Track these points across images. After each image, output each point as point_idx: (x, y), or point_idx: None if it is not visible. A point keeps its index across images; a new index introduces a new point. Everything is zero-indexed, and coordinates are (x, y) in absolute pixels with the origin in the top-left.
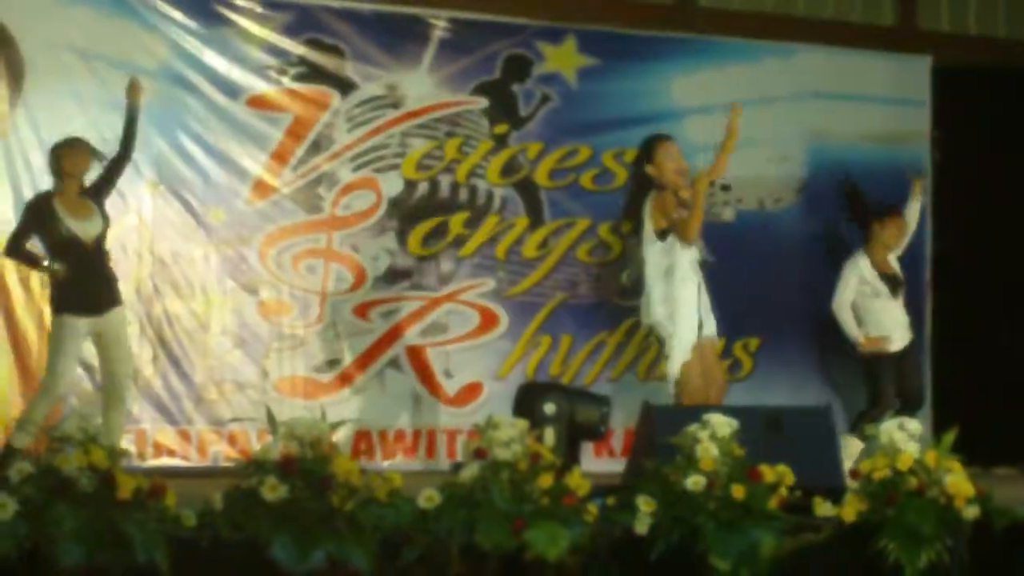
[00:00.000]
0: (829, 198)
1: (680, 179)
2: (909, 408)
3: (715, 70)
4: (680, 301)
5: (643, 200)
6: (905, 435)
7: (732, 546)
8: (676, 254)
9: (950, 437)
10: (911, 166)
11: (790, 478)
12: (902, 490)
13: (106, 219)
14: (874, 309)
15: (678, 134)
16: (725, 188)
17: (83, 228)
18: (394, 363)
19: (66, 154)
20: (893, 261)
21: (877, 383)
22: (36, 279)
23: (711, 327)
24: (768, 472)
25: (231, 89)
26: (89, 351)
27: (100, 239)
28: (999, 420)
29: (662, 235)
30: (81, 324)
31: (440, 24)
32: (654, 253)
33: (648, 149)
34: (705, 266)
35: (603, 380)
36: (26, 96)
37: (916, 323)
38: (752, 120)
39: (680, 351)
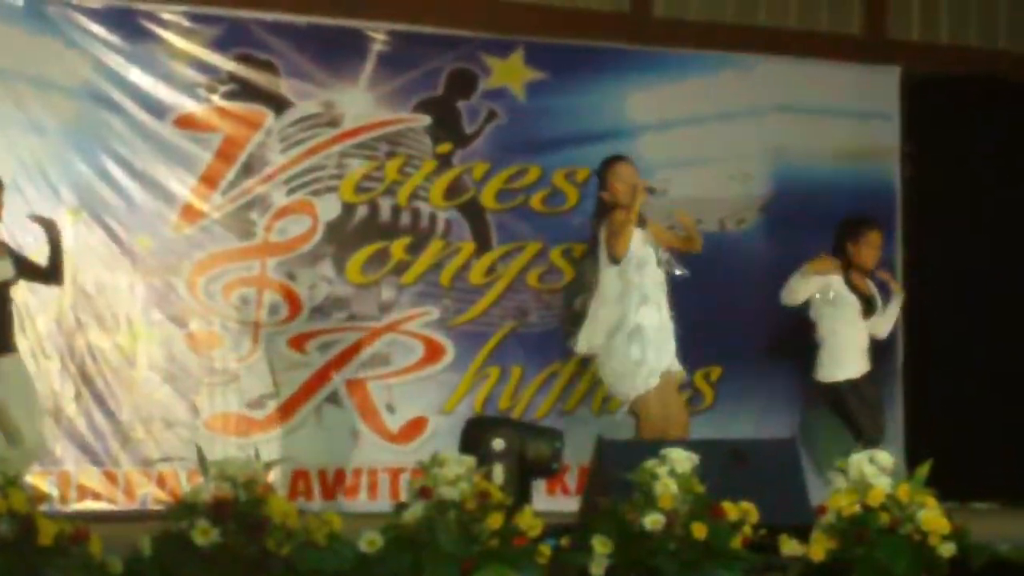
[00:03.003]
0: (794, 217)
1: (634, 197)
2: (867, 443)
3: (672, 84)
4: (643, 327)
5: (601, 224)
6: (875, 468)
7: None
8: (632, 277)
9: (924, 470)
10: (880, 182)
11: (754, 515)
12: (873, 527)
13: (19, 267)
14: (831, 317)
15: (633, 152)
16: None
17: None
18: (333, 398)
19: None
20: (869, 283)
21: (845, 413)
22: None
23: (670, 359)
24: (731, 509)
25: (157, 108)
26: None
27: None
28: (976, 451)
29: (615, 260)
30: None
31: (379, 37)
32: (608, 278)
33: (600, 175)
34: (674, 283)
35: (556, 414)
36: None
37: (886, 347)
38: (712, 136)
39: (637, 380)
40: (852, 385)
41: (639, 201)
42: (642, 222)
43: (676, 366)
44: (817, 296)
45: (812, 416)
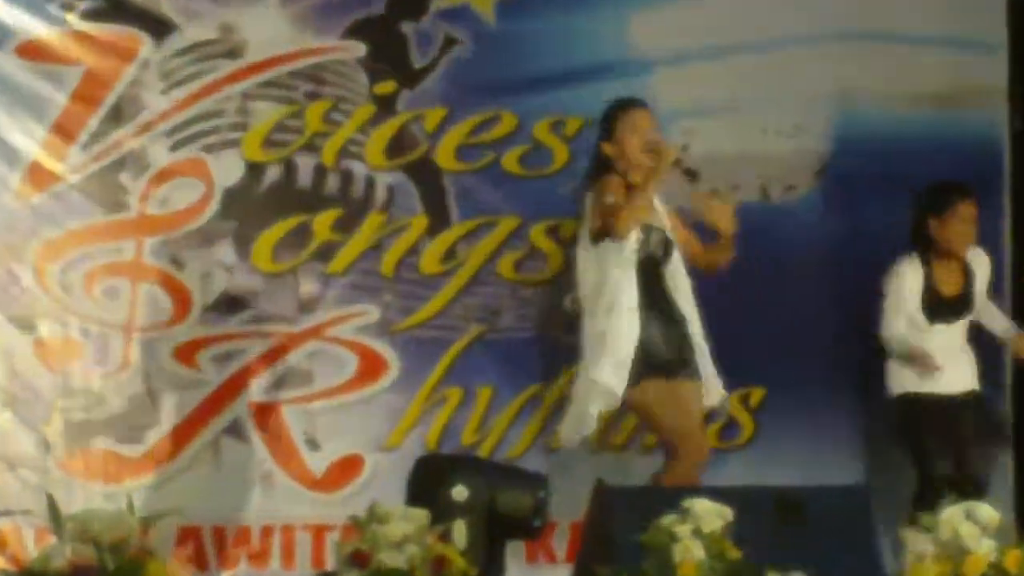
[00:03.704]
0: (863, 183)
1: (657, 161)
2: (966, 491)
3: (691, 2)
4: (609, 332)
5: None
6: (975, 528)
7: None
8: (611, 264)
9: None
10: (981, 136)
11: None
12: None
13: None
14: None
15: (641, 94)
16: (690, 174)
17: None
18: (234, 429)
19: None
20: (959, 274)
21: (923, 446)
22: None
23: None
24: None
25: None
26: None
27: None
28: None
29: (597, 238)
30: None
31: None
32: (583, 265)
33: (607, 120)
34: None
35: (539, 451)
36: None
37: (989, 370)
38: (750, 74)
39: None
40: (944, 404)
41: (662, 170)
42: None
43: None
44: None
45: (890, 457)
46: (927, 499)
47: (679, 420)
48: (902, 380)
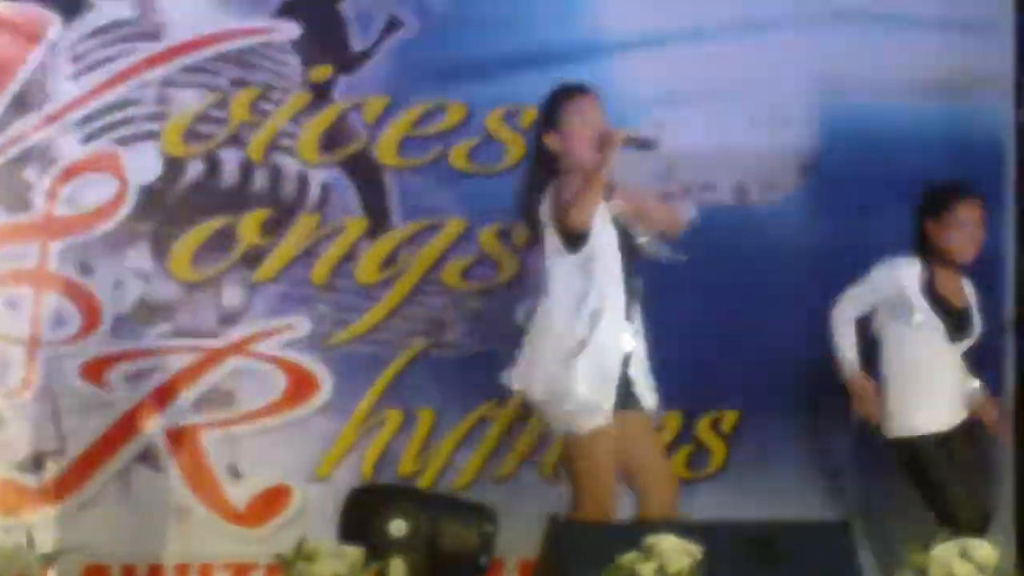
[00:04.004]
0: (853, 183)
1: (603, 152)
2: (963, 529)
3: None
4: (593, 341)
5: (543, 191)
6: (971, 567)
7: None
8: (596, 268)
9: None
10: (983, 129)
11: None
12: None
13: None
14: (904, 339)
15: (609, 80)
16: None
17: None
18: (147, 456)
19: None
20: (963, 286)
21: (929, 482)
22: None
23: (648, 397)
24: None
25: None
26: None
27: None
28: None
29: (574, 244)
30: None
31: None
32: (562, 273)
33: (549, 110)
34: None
35: (487, 481)
36: None
37: (987, 392)
38: (729, 58)
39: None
40: (939, 442)
41: (610, 156)
42: (608, 191)
43: (647, 401)
44: (880, 315)
45: (877, 487)
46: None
47: (591, 476)
48: (895, 420)
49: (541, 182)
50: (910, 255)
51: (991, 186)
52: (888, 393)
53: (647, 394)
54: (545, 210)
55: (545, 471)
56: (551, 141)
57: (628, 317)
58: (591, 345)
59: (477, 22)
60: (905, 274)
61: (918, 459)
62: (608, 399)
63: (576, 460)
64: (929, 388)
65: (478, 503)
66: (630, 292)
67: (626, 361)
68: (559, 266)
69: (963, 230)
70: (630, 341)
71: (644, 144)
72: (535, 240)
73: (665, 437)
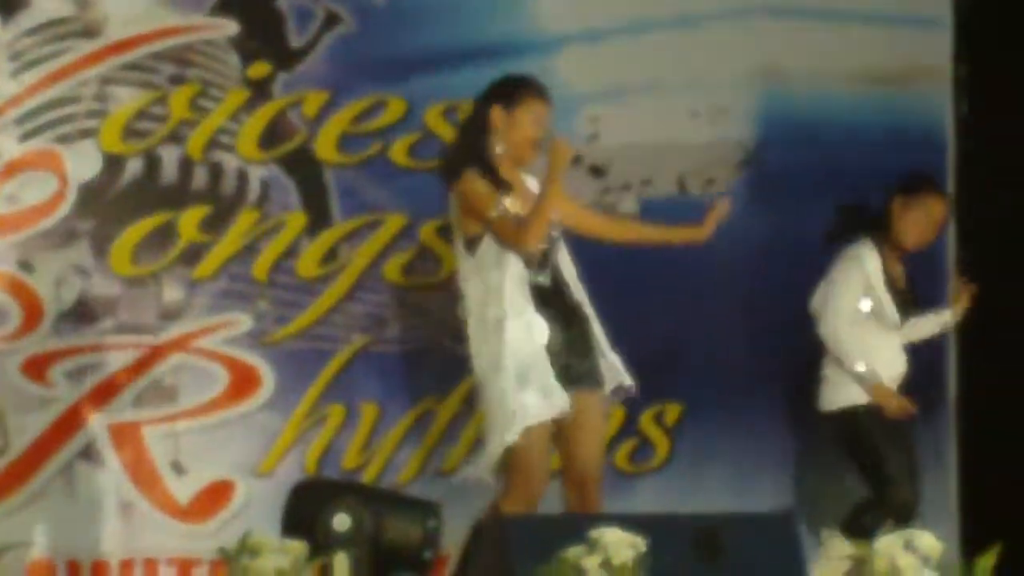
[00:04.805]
0: (792, 176)
1: (531, 154)
2: (897, 509)
3: None
4: (503, 352)
5: (465, 162)
6: (915, 557)
7: None
8: (492, 274)
9: (988, 561)
10: (923, 121)
11: None
12: None
13: None
14: (867, 340)
15: (548, 75)
16: (597, 171)
17: None
18: (90, 452)
19: None
20: (903, 272)
21: (880, 459)
22: None
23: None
24: None
25: None
26: None
27: None
28: None
29: (470, 245)
30: None
31: None
32: (463, 277)
33: (512, 90)
34: (546, 293)
35: (431, 476)
36: None
37: (932, 379)
38: (668, 52)
39: (505, 421)
40: (876, 415)
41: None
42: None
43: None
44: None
45: (816, 471)
46: (872, 522)
47: (523, 461)
48: (831, 392)
49: (466, 150)
50: (860, 238)
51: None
52: (827, 366)
53: (612, 372)
54: (452, 207)
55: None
56: (497, 116)
57: (540, 311)
58: (507, 355)
59: (415, 17)
60: (868, 261)
61: (855, 429)
62: (556, 398)
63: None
64: (871, 362)
65: (422, 498)
66: (538, 289)
67: (584, 330)
68: (464, 266)
69: (926, 218)
70: (543, 334)
71: (594, 170)
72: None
73: (609, 430)
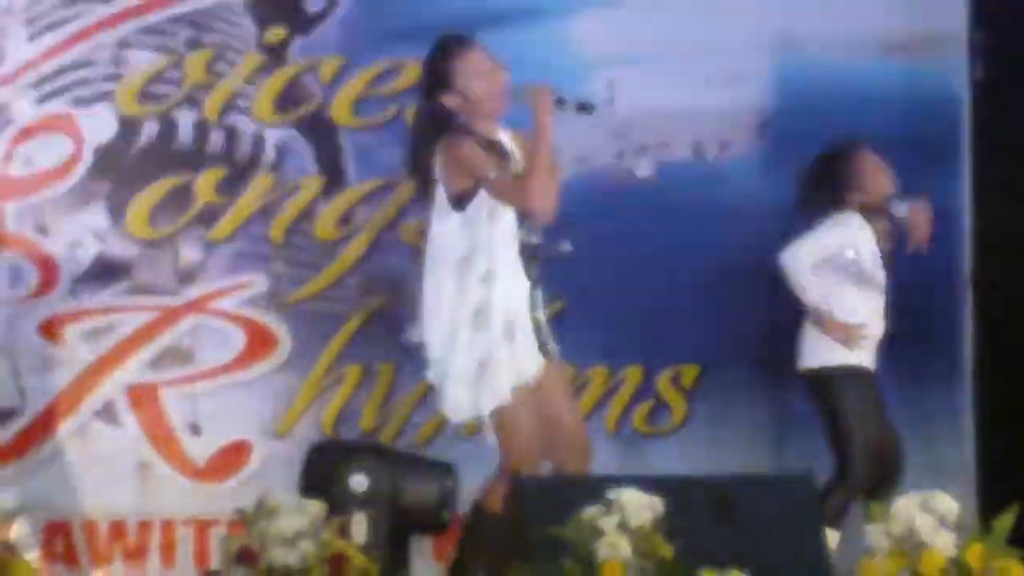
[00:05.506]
0: (807, 141)
1: (497, 105)
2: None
3: None
4: (493, 304)
5: (434, 147)
6: (933, 519)
7: None
8: (483, 230)
9: (1006, 522)
10: (938, 89)
11: None
12: None
13: None
14: (849, 298)
15: (564, 40)
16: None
17: None
18: (107, 413)
19: None
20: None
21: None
22: None
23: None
24: None
25: None
26: None
27: None
28: None
29: (459, 202)
30: None
31: None
32: (444, 232)
33: (440, 66)
34: (543, 255)
35: (448, 437)
36: None
37: (950, 354)
38: (683, 18)
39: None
40: (856, 376)
41: (545, 118)
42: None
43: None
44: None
45: None
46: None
47: (513, 433)
48: (810, 352)
49: (432, 139)
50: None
51: (946, 144)
52: (807, 327)
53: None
54: (438, 166)
55: None
56: (449, 100)
57: (528, 276)
58: (494, 311)
59: None
60: (857, 227)
61: (827, 391)
62: (531, 359)
63: (499, 417)
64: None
65: (439, 459)
66: (527, 252)
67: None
68: (444, 223)
69: (880, 170)
70: (524, 297)
71: (582, 107)
72: (425, 195)
73: (626, 392)
